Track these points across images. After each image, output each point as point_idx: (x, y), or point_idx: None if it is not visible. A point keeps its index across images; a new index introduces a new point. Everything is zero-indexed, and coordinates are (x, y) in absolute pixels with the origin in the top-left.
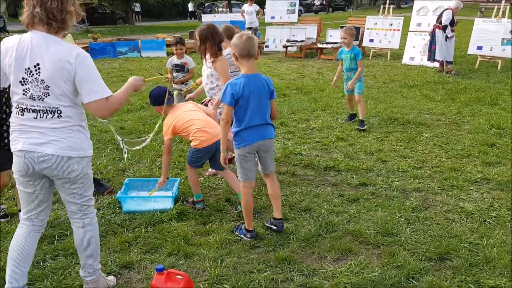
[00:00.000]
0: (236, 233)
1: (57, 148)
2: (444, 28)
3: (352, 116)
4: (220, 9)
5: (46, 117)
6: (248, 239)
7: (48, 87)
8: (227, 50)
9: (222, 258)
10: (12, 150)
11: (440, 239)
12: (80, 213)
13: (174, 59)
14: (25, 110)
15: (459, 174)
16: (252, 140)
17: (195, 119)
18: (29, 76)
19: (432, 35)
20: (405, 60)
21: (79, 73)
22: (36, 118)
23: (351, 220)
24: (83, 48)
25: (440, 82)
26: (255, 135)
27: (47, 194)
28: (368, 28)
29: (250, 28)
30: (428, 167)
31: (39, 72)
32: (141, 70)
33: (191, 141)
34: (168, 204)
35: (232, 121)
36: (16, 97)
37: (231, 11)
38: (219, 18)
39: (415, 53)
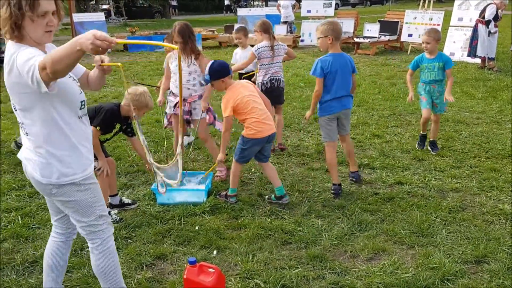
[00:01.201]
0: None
1: (30, 168)
2: (487, 23)
3: (424, 140)
4: (256, 3)
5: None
6: (333, 192)
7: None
8: (263, 43)
9: (254, 253)
10: None
11: (478, 241)
12: (86, 236)
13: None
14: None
15: (499, 174)
16: (337, 109)
17: (257, 108)
18: None
19: (474, 30)
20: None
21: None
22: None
23: (385, 219)
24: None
25: (481, 79)
26: (339, 105)
27: None
28: (407, 23)
29: (285, 22)
30: (467, 166)
31: None
32: None
33: (244, 128)
34: (201, 197)
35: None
36: None
37: (266, 5)
38: (254, 12)
39: (455, 48)
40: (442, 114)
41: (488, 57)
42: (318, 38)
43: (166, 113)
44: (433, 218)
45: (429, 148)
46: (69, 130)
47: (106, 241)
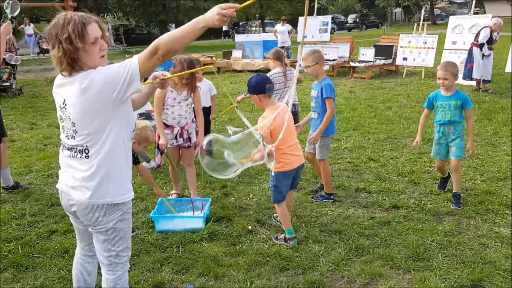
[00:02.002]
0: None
1: (78, 195)
2: (480, 46)
3: (446, 181)
4: (253, 29)
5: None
6: (331, 200)
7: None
8: (276, 69)
9: (252, 280)
10: None
11: (474, 265)
12: (108, 267)
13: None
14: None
15: (495, 197)
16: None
17: (288, 137)
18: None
19: (469, 53)
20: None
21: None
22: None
23: (381, 244)
24: None
25: (476, 101)
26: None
27: None
28: (401, 47)
29: (282, 48)
30: (462, 189)
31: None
32: None
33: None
34: (199, 224)
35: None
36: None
37: (264, 31)
38: (251, 38)
39: None
40: (461, 160)
41: (484, 80)
42: (308, 66)
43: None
44: (429, 242)
45: (452, 200)
46: (128, 150)
47: (123, 275)
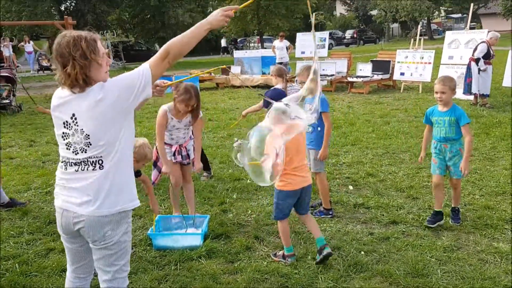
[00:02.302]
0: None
1: (88, 210)
2: (476, 61)
3: (438, 216)
4: (252, 45)
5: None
6: (330, 216)
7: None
8: (278, 85)
9: None
10: None
11: (473, 281)
12: (107, 283)
13: None
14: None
15: (493, 212)
16: None
17: (295, 157)
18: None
19: (468, 67)
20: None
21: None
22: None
23: (380, 260)
24: None
25: (474, 115)
26: None
27: (89, 248)
28: (398, 62)
29: (280, 63)
30: (461, 204)
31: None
32: None
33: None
34: (197, 241)
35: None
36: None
37: (262, 47)
38: (250, 54)
39: None
40: (461, 179)
41: (482, 94)
42: (303, 82)
43: (154, 165)
44: (428, 258)
45: (450, 215)
46: (132, 158)
47: None
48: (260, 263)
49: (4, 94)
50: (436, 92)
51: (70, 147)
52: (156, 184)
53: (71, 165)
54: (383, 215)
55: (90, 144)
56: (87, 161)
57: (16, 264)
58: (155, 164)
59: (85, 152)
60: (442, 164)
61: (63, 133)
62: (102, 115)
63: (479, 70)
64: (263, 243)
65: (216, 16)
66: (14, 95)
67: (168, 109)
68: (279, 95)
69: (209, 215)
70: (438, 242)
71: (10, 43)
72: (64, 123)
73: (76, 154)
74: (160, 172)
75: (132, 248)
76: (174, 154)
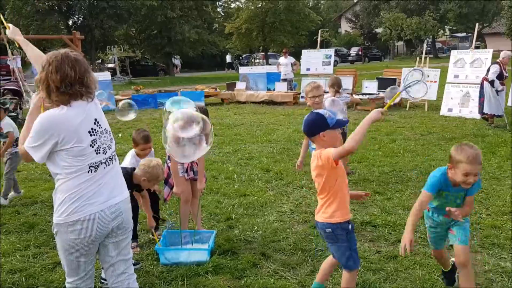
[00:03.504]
0: None
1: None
2: (491, 83)
3: (452, 274)
4: (257, 61)
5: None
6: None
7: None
8: (327, 95)
9: None
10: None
11: None
12: (127, 272)
13: None
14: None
15: (500, 231)
16: None
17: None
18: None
19: (481, 87)
20: (443, 111)
21: None
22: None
23: (388, 279)
24: (126, 99)
25: (480, 134)
26: None
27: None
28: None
29: (285, 80)
30: None
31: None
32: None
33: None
34: (204, 257)
35: None
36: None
37: (267, 63)
38: (255, 70)
39: (453, 104)
40: (467, 245)
41: (495, 115)
42: (315, 97)
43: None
44: (435, 277)
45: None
46: None
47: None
48: (267, 280)
49: (11, 107)
50: (467, 174)
51: (100, 150)
52: (168, 201)
53: (101, 165)
54: (391, 233)
55: (112, 140)
56: (112, 156)
57: (23, 278)
58: (166, 181)
59: (111, 148)
60: (439, 239)
61: (92, 141)
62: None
63: (497, 91)
64: (270, 260)
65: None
66: (21, 108)
67: None
68: (319, 120)
69: (216, 230)
70: None
71: (19, 56)
72: (89, 131)
73: (105, 153)
74: (171, 189)
75: (138, 263)
76: (186, 171)
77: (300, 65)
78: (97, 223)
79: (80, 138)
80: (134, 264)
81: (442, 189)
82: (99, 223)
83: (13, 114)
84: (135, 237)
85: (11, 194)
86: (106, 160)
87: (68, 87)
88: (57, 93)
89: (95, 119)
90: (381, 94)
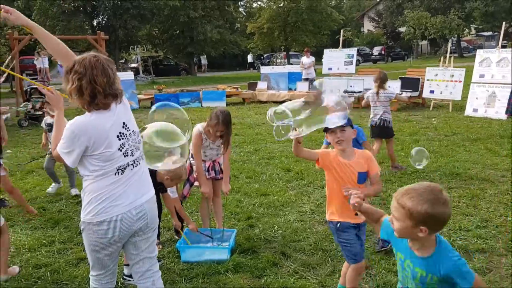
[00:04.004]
0: None
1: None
2: None
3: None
4: (278, 61)
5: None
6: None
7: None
8: (371, 90)
9: None
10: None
11: None
12: (152, 269)
13: (48, 119)
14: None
15: None
16: None
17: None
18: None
19: None
20: (468, 111)
21: None
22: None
23: None
24: (148, 99)
25: (506, 135)
26: None
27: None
28: (428, 80)
29: (307, 79)
30: (493, 226)
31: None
32: (201, 120)
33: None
34: (224, 255)
35: None
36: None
37: (289, 63)
38: (276, 70)
39: (478, 105)
40: None
41: None
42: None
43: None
44: None
45: None
46: None
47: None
48: (287, 279)
49: (38, 105)
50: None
51: (127, 152)
52: (187, 198)
53: (128, 167)
54: None
55: (140, 141)
56: (139, 157)
57: (48, 273)
58: (187, 178)
59: (138, 149)
60: None
61: (120, 145)
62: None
63: None
64: (290, 259)
65: None
66: None
67: (202, 130)
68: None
69: (236, 229)
70: (469, 264)
71: (46, 56)
72: (118, 136)
73: (132, 155)
74: (191, 186)
75: (160, 260)
76: (208, 170)
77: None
78: (121, 224)
79: (110, 144)
80: None
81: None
82: (124, 224)
83: (40, 112)
84: (157, 235)
85: (53, 185)
86: (133, 161)
87: (111, 89)
88: (103, 95)
89: (123, 123)
90: (404, 94)
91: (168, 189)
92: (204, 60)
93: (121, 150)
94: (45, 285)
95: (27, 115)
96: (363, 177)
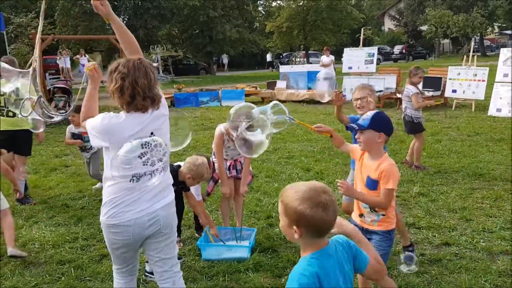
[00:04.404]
0: None
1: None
2: None
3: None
4: (297, 60)
5: None
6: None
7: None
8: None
9: None
10: None
11: None
12: (171, 270)
13: (73, 128)
14: None
15: None
16: None
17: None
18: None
19: None
20: (491, 111)
21: None
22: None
23: (432, 282)
24: (168, 98)
25: None
26: None
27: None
28: (450, 79)
29: (326, 78)
30: None
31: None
32: (220, 119)
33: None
34: (245, 254)
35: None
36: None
37: (308, 62)
38: (296, 69)
39: (502, 104)
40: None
41: None
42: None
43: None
44: (482, 282)
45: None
46: None
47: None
48: None
49: (60, 104)
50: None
51: (147, 162)
52: (211, 194)
53: (145, 176)
54: (435, 236)
55: (166, 152)
56: (160, 167)
57: (71, 269)
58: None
59: (161, 160)
60: None
61: (141, 153)
62: (167, 126)
63: None
64: None
65: None
66: (69, 106)
67: (224, 131)
68: (390, 123)
69: (256, 228)
70: (493, 266)
71: (68, 56)
72: (142, 144)
73: (153, 165)
74: (215, 183)
75: (181, 258)
76: (229, 169)
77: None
78: (132, 229)
79: (132, 149)
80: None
81: None
82: (134, 230)
83: (62, 111)
84: (178, 233)
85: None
86: (153, 172)
87: (150, 92)
88: (142, 97)
89: (152, 133)
90: (426, 94)
91: (193, 191)
92: (225, 59)
93: (141, 158)
94: (69, 281)
95: None
96: (371, 183)
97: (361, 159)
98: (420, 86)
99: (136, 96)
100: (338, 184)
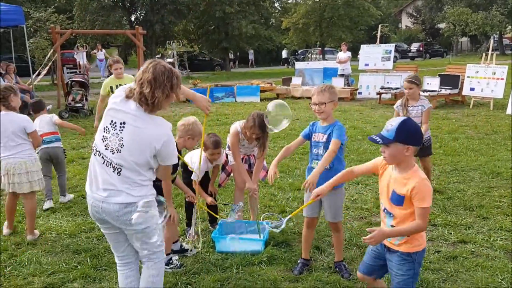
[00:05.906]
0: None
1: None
2: None
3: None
4: (313, 56)
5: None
6: None
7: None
8: (398, 101)
9: None
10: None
11: None
12: (148, 256)
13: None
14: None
15: None
16: None
17: None
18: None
19: None
20: (510, 110)
21: (160, 153)
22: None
23: (447, 279)
24: None
25: None
26: None
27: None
28: (468, 77)
29: (342, 75)
30: None
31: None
32: (235, 114)
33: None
34: (259, 247)
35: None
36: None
37: (324, 58)
38: (312, 65)
39: None
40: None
41: None
42: (324, 103)
43: (224, 169)
44: (499, 280)
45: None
46: None
47: (162, 261)
48: (321, 273)
49: (78, 98)
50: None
51: (108, 146)
52: (223, 187)
53: (104, 158)
54: (451, 233)
55: (120, 151)
56: (119, 164)
57: (88, 258)
58: (223, 168)
59: (119, 151)
60: None
61: (105, 128)
62: (140, 142)
63: None
64: (324, 254)
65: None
66: (86, 99)
67: (240, 130)
68: (418, 135)
69: (270, 222)
70: (510, 264)
71: (85, 51)
72: (110, 122)
73: (113, 153)
74: (228, 175)
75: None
76: (243, 160)
77: (357, 60)
78: (90, 207)
79: (107, 127)
80: (189, 250)
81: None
82: (92, 209)
83: (80, 104)
84: (189, 226)
85: None
86: (111, 162)
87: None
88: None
89: (124, 122)
90: (443, 91)
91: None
92: (251, 55)
93: (104, 137)
94: (85, 270)
95: (68, 106)
96: (397, 199)
97: (383, 169)
98: (437, 83)
99: None
100: (365, 240)
